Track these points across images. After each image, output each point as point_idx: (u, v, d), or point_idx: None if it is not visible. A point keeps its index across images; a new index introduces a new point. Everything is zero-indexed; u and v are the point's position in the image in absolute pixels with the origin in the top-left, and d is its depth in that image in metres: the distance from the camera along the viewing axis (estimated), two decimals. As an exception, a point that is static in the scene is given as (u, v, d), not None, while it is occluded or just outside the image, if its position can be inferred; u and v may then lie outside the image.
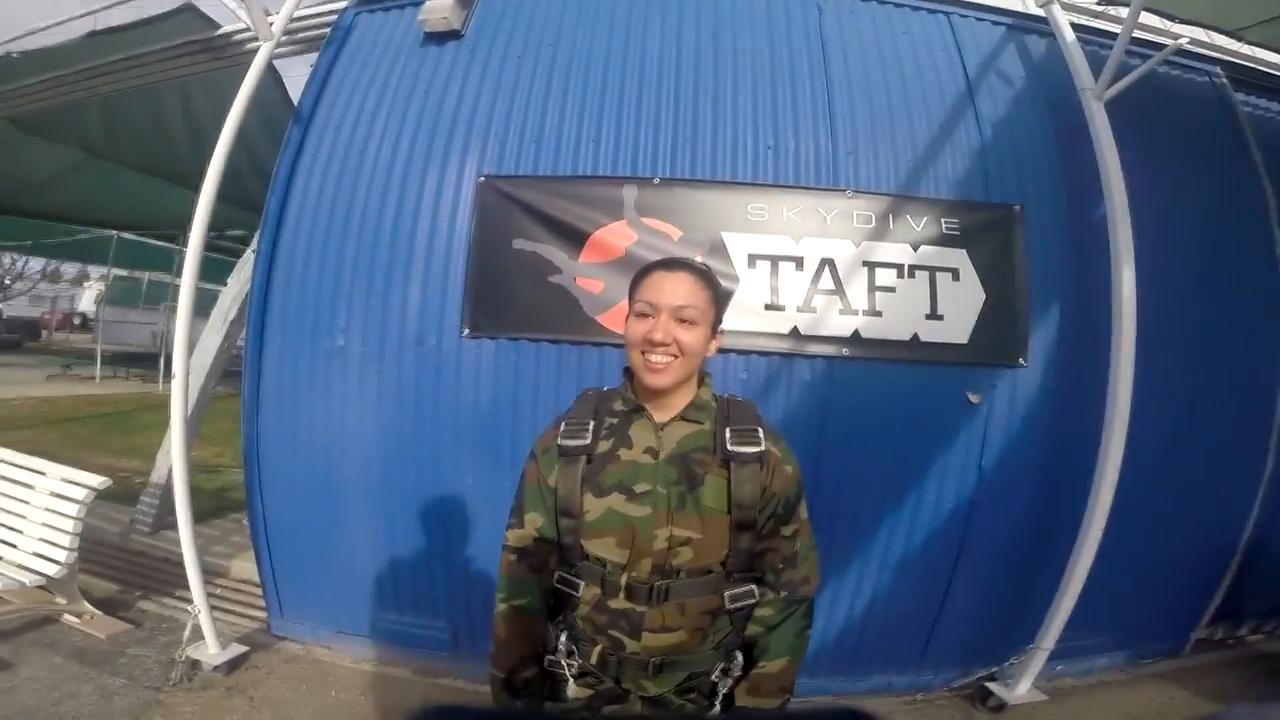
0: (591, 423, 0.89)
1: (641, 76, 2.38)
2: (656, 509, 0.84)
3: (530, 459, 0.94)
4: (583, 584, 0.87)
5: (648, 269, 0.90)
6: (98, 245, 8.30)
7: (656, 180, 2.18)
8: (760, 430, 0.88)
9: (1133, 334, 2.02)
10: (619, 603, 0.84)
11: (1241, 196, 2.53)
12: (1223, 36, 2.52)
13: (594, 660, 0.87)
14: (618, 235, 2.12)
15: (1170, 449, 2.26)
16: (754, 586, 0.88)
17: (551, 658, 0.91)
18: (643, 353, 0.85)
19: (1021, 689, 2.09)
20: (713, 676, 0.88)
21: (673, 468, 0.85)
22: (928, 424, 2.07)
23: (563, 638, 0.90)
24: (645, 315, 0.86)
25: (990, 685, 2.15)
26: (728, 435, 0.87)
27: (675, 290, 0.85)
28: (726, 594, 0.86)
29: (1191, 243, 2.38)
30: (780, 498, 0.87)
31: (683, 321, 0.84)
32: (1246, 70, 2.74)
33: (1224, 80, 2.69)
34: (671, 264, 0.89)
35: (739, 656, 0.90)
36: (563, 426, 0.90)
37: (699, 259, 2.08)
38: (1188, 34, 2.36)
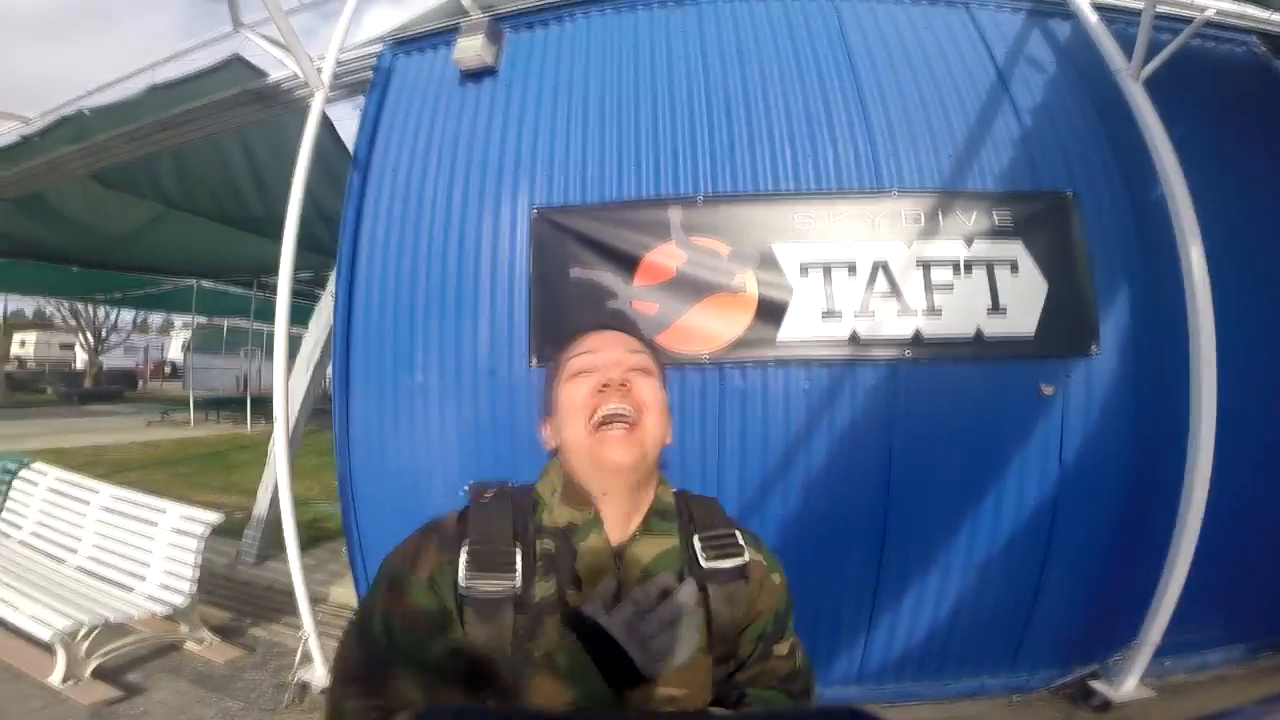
0: (517, 550, 0.58)
1: (672, 98, 2.46)
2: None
3: (386, 589, 0.59)
4: None
5: (574, 335, 0.69)
6: (180, 294, 8.94)
7: (700, 199, 2.25)
8: (737, 533, 0.66)
9: (1209, 313, 1.95)
10: None
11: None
12: (1251, 5, 2.44)
13: None
14: (668, 256, 2.20)
15: (1266, 430, 2.15)
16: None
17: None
18: (590, 416, 0.60)
19: (1128, 686, 2.00)
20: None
21: None
22: (1001, 420, 2.05)
23: None
24: (583, 373, 0.63)
25: (1094, 684, 2.07)
26: (698, 547, 0.63)
27: (615, 341, 0.66)
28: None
29: (1257, 214, 2.28)
30: (768, 616, 0.65)
31: (635, 370, 0.64)
32: None
33: (1263, 49, 2.59)
34: (601, 325, 0.70)
35: None
36: (465, 555, 0.56)
37: (737, 279, 2.12)
38: (1215, 5, 2.29)
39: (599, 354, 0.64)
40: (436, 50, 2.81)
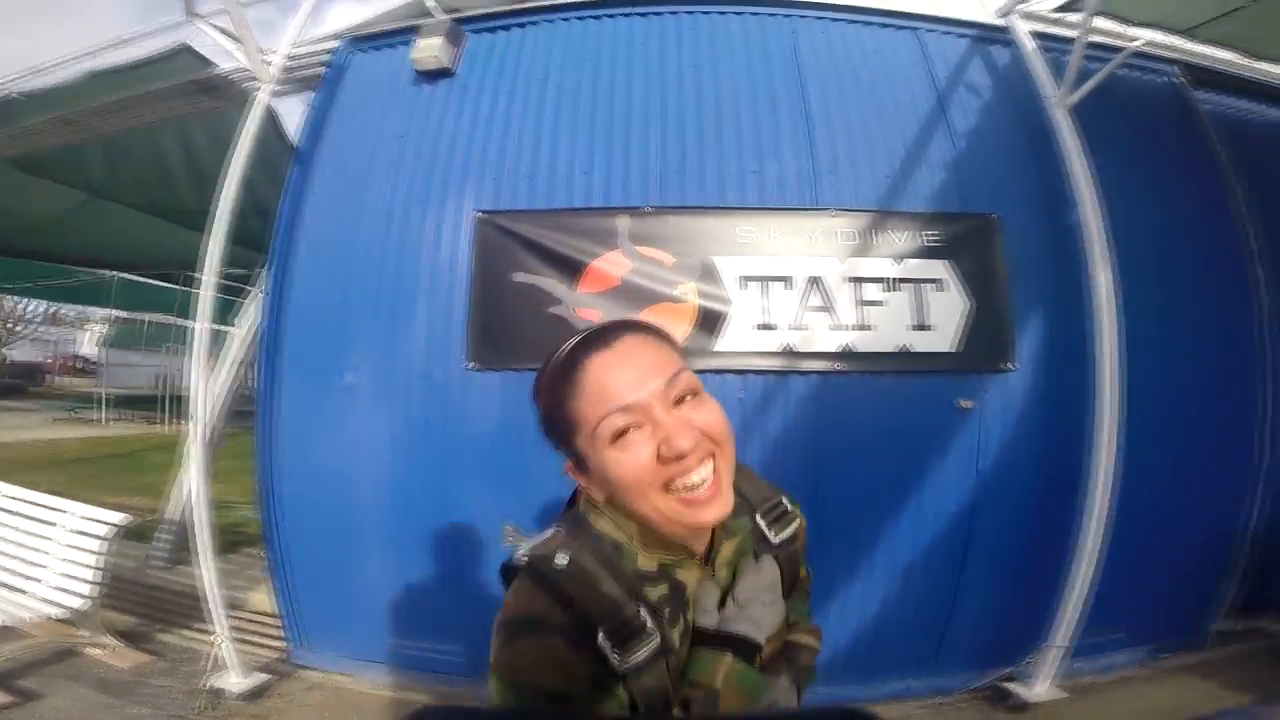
0: (641, 609, 0.55)
1: (629, 108, 2.48)
2: None
3: (513, 689, 0.54)
4: None
5: (570, 364, 0.55)
6: (99, 287, 8.35)
7: (648, 209, 2.27)
8: (783, 499, 0.70)
9: (1114, 334, 2.09)
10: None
11: (1209, 192, 2.61)
12: (1177, 37, 2.62)
13: None
14: (613, 264, 2.20)
15: (1164, 443, 2.30)
16: None
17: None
18: (667, 486, 0.53)
19: (1041, 688, 2.09)
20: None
21: None
22: (923, 432, 2.13)
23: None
24: (628, 430, 0.53)
25: (1009, 685, 2.15)
26: (762, 525, 0.66)
27: (643, 366, 0.54)
28: None
29: (1165, 240, 2.46)
30: (803, 552, 0.74)
31: (681, 401, 0.54)
32: (1202, 69, 2.84)
33: (1182, 80, 2.79)
34: (601, 336, 0.56)
35: None
36: (606, 642, 0.53)
37: (680, 289, 2.14)
38: (1143, 36, 2.46)
39: (635, 402, 0.52)
40: (394, 49, 2.75)
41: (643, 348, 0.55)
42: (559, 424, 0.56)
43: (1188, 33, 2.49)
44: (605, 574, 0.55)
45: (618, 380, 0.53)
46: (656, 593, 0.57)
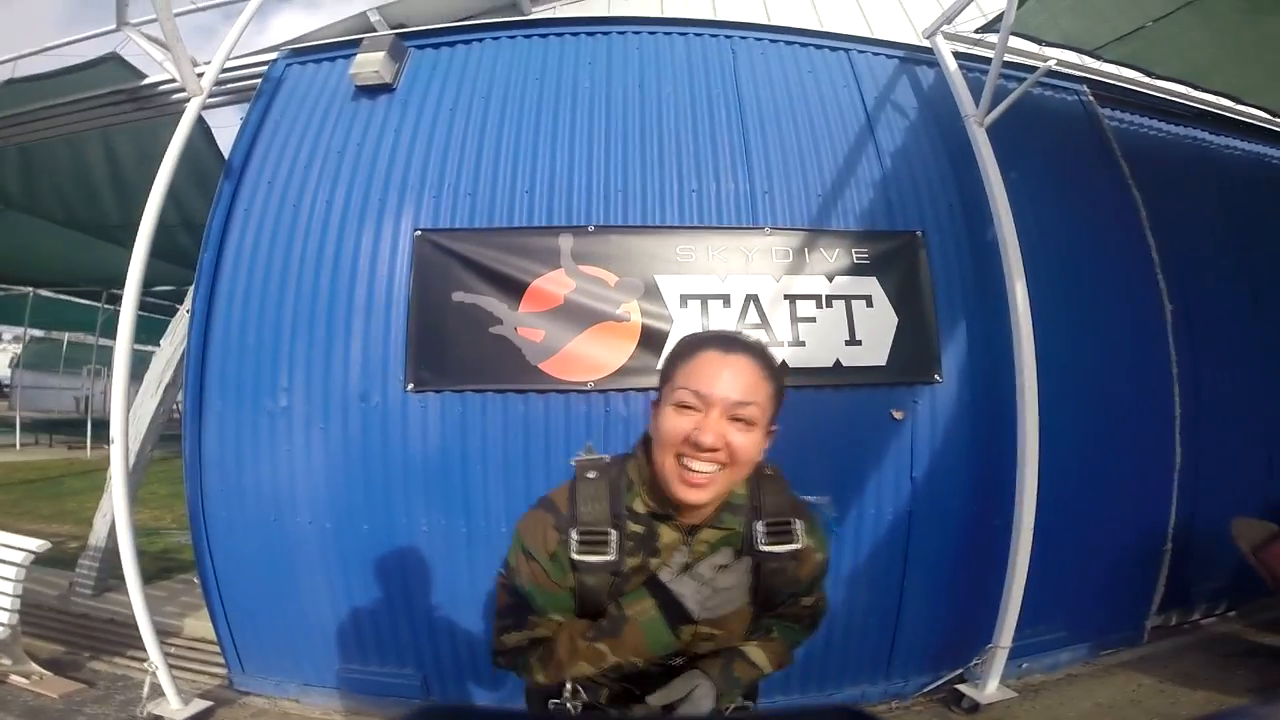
0: (613, 534, 0.72)
1: (573, 126, 2.50)
2: None
3: (524, 557, 0.76)
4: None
5: (697, 344, 0.72)
6: (12, 304, 7.80)
7: (591, 228, 2.29)
8: (796, 525, 0.76)
9: (1031, 343, 2.21)
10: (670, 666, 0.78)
11: (1116, 205, 2.80)
12: (1088, 57, 2.79)
13: (604, 700, 0.79)
14: (556, 284, 2.21)
15: (1086, 446, 2.43)
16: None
17: (555, 701, 0.78)
18: (679, 456, 0.68)
19: (990, 688, 2.14)
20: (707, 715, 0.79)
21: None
22: (859, 443, 2.21)
23: (568, 684, 0.79)
24: (689, 408, 0.68)
25: (961, 687, 2.20)
26: (759, 531, 0.74)
27: (735, 381, 0.67)
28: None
29: (1077, 252, 2.62)
30: (805, 582, 0.81)
31: (738, 421, 0.67)
32: (1109, 87, 3.05)
33: (1091, 98, 2.99)
34: (730, 343, 0.71)
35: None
36: (575, 536, 0.72)
37: (623, 308, 2.17)
38: (1055, 56, 2.61)
39: (710, 395, 0.67)
40: (334, 63, 2.70)
41: (744, 369, 0.69)
42: (665, 373, 0.74)
43: (1095, 53, 2.68)
44: (606, 497, 0.75)
45: (711, 376, 0.68)
46: (633, 528, 0.74)
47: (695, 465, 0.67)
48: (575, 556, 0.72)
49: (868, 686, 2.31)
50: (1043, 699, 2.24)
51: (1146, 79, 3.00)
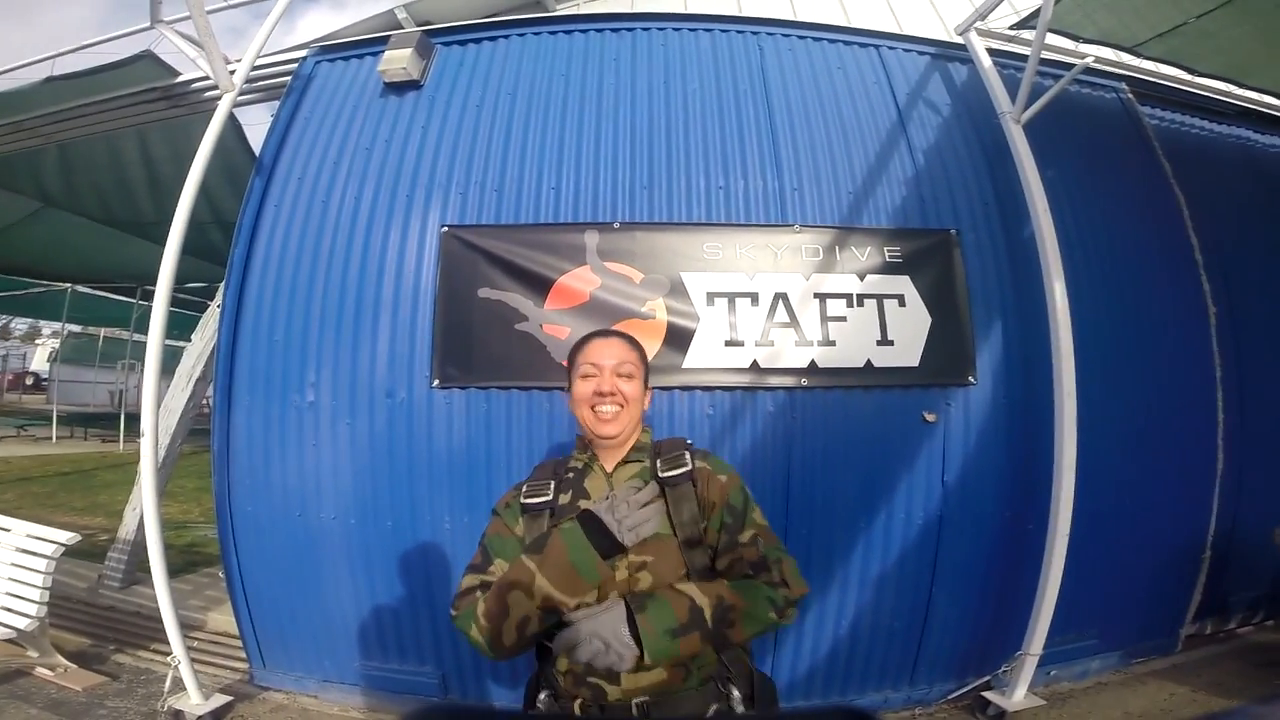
0: (551, 482, 0.98)
1: (598, 123, 2.48)
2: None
3: (493, 516, 0.99)
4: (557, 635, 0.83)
5: (588, 337, 1.05)
6: (51, 299, 8.02)
7: (616, 224, 2.27)
8: (686, 453, 0.98)
9: (1070, 345, 2.14)
10: (595, 600, 0.85)
11: (1158, 205, 2.72)
12: (1126, 54, 2.72)
13: (577, 713, 0.86)
14: (581, 280, 2.19)
15: (1123, 452, 2.36)
16: None
17: (532, 711, 0.92)
18: (592, 407, 0.97)
19: (1018, 696, 2.10)
20: (707, 717, 0.86)
21: None
22: (889, 446, 2.16)
23: (543, 695, 0.91)
24: (590, 375, 0.99)
25: (987, 694, 2.15)
26: (658, 465, 0.97)
27: (612, 351, 1.01)
28: None
29: (1118, 253, 2.55)
30: (721, 506, 0.94)
31: (621, 375, 0.99)
32: (1149, 84, 2.97)
33: (1130, 95, 2.91)
34: (605, 333, 1.08)
35: (735, 692, 0.89)
36: (524, 488, 0.99)
37: (648, 305, 2.18)
38: (1093, 53, 2.55)
39: (600, 362, 0.99)
40: (362, 60, 2.72)
41: (618, 344, 1.03)
42: (571, 360, 1.04)
43: (1134, 50, 2.60)
44: (552, 464, 1.04)
45: (599, 351, 1.01)
46: (567, 477, 1.00)
47: (602, 407, 0.97)
48: (523, 501, 0.97)
49: (890, 692, 2.26)
50: (1071, 707, 2.19)
51: (1188, 76, 2.91)
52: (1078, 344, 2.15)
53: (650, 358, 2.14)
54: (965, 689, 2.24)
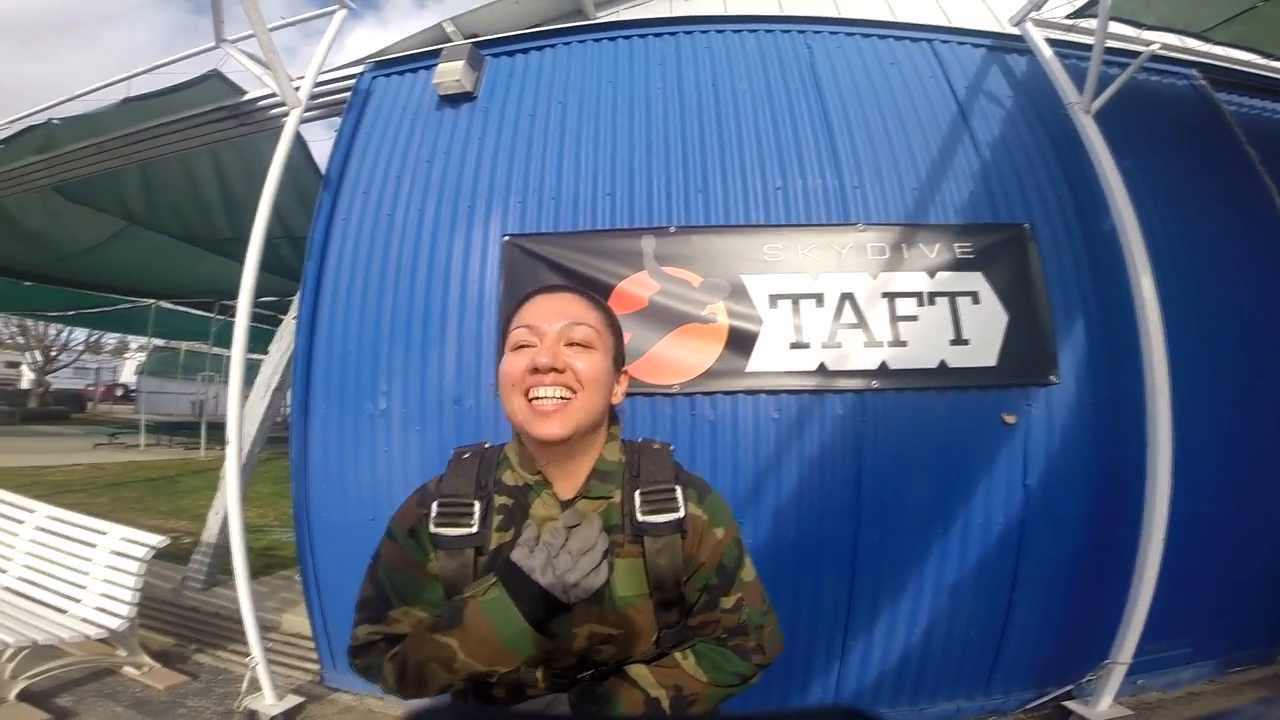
0: (476, 505, 0.67)
1: (648, 127, 2.50)
2: (574, 607, 0.62)
3: (388, 540, 0.70)
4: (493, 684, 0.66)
5: (527, 295, 0.71)
6: (137, 315, 8.61)
7: (673, 229, 2.27)
8: (677, 490, 0.69)
9: (1161, 342, 2.02)
10: (537, 691, 0.67)
11: (1246, 193, 2.55)
12: (1192, 40, 2.59)
13: None
14: (640, 286, 2.19)
15: (1220, 451, 2.22)
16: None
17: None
18: (526, 393, 0.64)
19: (1103, 705, 2.00)
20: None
21: None
22: (966, 449, 2.07)
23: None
24: (525, 345, 0.66)
25: (1069, 704, 2.07)
26: (637, 502, 0.67)
27: (563, 308, 0.68)
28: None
29: (1204, 243, 2.40)
30: (711, 567, 0.70)
31: (574, 345, 0.66)
32: (1222, 70, 2.80)
33: (1203, 81, 2.75)
34: (555, 287, 0.72)
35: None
36: (434, 509, 0.67)
37: (708, 309, 2.13)
38: (1159, 40, 2.43)
39: (539, 326, 0.66)
40: (416, 74, 2.81)
41: (571, 301, 0.69)
42: (502, 331, 0.74)
43: (1202, 35, 2.46)
44: (474, 471, 0.69)
45: (539, 310, 0.68)
46: (500, 500, 0.68)
47: (539, 391, 0.63)
48: (433, 530, 0.66)
49: (964, 701, 2.18)
50: (1159, 718, 2.07)
51: (1263, 60, 2.73)
52: (1167, 340, 2.03)
53: (713, 362, 2.17)
54: (1045, 698, 2.14)
